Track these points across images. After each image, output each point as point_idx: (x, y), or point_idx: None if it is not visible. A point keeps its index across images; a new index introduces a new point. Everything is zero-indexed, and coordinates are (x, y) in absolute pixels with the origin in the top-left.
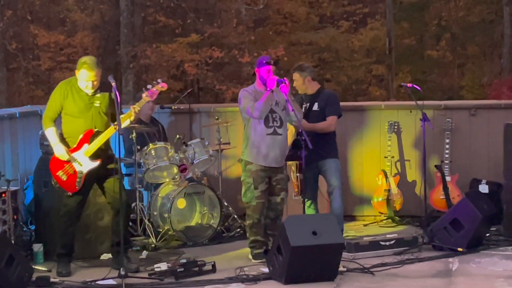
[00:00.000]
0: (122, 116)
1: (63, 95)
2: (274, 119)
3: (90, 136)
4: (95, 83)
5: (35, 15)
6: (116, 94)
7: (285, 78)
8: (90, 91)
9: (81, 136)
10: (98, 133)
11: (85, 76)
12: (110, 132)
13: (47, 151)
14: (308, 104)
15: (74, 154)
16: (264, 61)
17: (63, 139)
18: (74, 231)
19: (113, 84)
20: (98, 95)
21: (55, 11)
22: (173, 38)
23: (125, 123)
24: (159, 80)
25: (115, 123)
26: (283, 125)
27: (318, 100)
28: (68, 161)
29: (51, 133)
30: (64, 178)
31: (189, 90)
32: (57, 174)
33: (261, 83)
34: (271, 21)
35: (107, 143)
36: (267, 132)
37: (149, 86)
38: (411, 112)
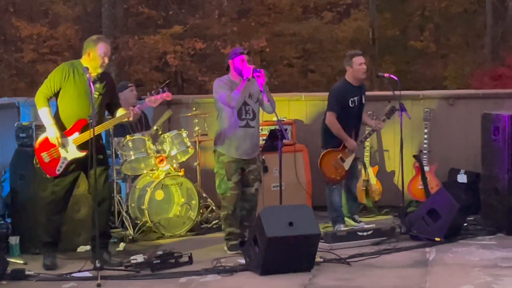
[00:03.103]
0: (121, 114)
1: (64, 76)
2: (247, 111)
3: (82, 126)
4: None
5: (17, 7)
6: (90, 85)
7: (261, 69)
8: (100, 71)
9: (74, 123)
10: (90, 125)
11: (105, 49)
12: (102, 127)
13: (23, 143)
14: (358, 97)
15: (63, 139)
16: (237, 52)
17: (58, 121)
18: (60, 220)
19: (87, 75)
20: (97, 84)
21: (37, 3)
22: (155, 29)
23: (122, 120)
24: (165, 89)
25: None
26: (255, 118)
27: (364, 93)
28: (56, 145)
29: (45, 113)
30: (47, 160)
31: (167, 81)
32: (41, 154)
33: (236, 74)
34: (254, 12)
35: (97, 136)
36: (240, 124)
37: (153, 92)
38: (389, 102)
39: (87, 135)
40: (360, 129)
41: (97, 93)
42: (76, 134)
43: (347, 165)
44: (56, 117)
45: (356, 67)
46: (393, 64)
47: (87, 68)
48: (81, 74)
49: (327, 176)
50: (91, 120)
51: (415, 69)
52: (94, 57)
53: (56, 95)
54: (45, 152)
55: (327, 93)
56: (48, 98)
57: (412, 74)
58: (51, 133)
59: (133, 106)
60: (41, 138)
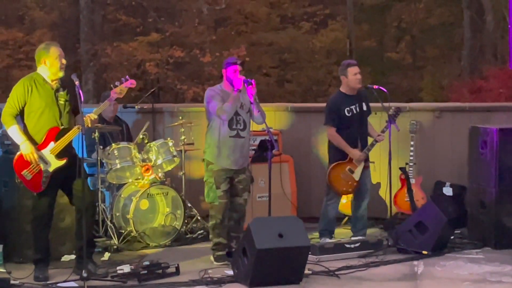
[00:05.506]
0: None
1: (27, 91)
2: (238, 121)
3: (56, 134)
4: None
5: None
6: (79, 94)
7: (253, 79)
8: (61, 74)
9: (46, 134)
10: (64, 131)
11: (58, 53)
12: (75, 131)
13: (7, 150)
14: (356, 105)
15: (38, 153)
16: (230, 61)
17: (29, 137)
18: (48, 235)
19: (77, 82)
20: (61, 92)
21: (13, 8)
22: (133, 37)
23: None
24: (127, 77)
25: (79, 125)
26: (246, 128)
27: (364, 100)
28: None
29: (15, 131)
30: (29, 177)
31: (152, 90)
32: (22, 173)
33: (228, 84)
34: (232, 21)
35: (70, 143)
36: (230, 134)
37: (117, 83)
38: (375, 114)
39: (63, 142)
40: (366, 136)
41: (63, 99)
42: (52, 144)
43: (357, 175)
44: (27, 135)
45: (351, 77)
46: (370, 75)
47: (76, 75)
48: (43, 85)
49: (338, 190)
50: (62, 126)
51: (392, 80)
52: (52, 63)
53: (21, 112)
54: (25, 170)
55: (313, 104)
56: (14, 116)
57: (388, 85)
58: (25, 149)
59: (112, 116)
60: (16, 157)
